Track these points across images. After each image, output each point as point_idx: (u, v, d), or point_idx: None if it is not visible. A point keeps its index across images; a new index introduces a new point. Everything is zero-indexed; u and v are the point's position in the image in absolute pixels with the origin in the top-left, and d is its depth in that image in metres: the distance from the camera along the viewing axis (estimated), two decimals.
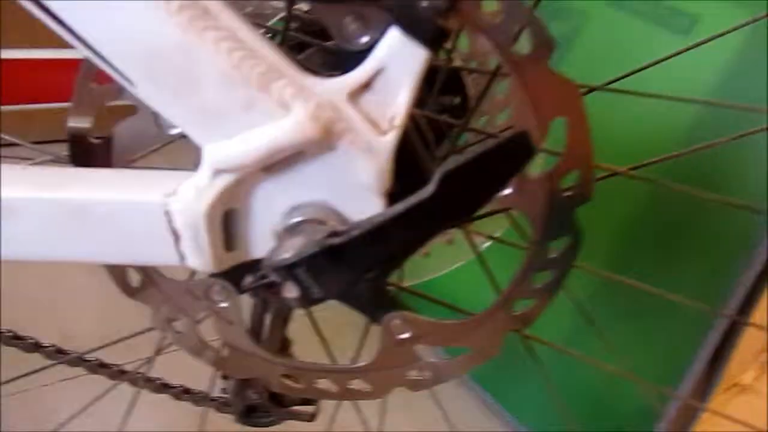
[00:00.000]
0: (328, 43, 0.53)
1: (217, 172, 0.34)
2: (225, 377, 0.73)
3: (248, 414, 0.75)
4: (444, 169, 0.32)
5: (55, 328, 1.30)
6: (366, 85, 0.34)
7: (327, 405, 0.64)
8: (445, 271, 0.62)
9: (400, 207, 0.32)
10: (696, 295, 0.91)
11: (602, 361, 0.60)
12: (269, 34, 0.56)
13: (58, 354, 0.76)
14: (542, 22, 0.37)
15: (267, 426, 0.76)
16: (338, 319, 0.59)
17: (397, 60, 0.34)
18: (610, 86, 0.49)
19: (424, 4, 0.33)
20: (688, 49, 0.46)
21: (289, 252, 0.32)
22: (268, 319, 0.63)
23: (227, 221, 0.36)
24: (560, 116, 0.38)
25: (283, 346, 0.65)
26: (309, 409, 0.76)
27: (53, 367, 0.81)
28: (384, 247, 0.32)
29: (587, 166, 0.39)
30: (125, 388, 0.72)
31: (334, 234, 0.32)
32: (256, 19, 0.54)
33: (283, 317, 0.64)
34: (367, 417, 0.76)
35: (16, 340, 0.76)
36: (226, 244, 0.36)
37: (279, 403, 0.75)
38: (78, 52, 0.34)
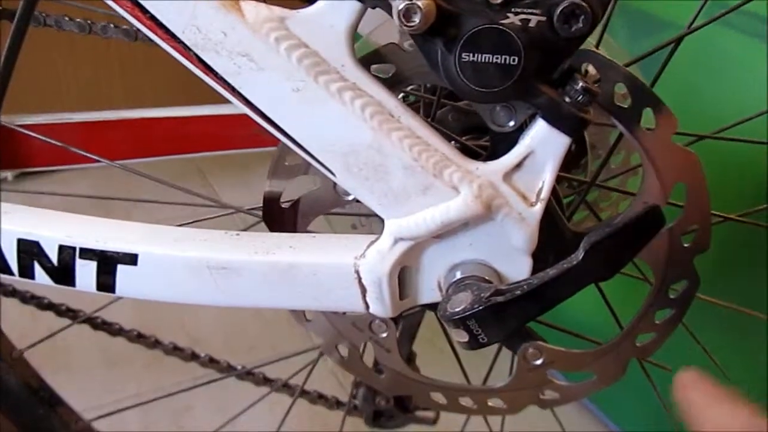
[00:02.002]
0: (459, 104, 0.60)
1: (398, 240, 0.42)
2: (356, 385, 0.83)
3: (376, 418, 0.84)
4: (590, 240, 0.39)
5: (181, 330, 1.44)
6: (518, 166, 0.42)
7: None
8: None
9: (553, 272, 0.39)
10: None
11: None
12: (405, 96, 0.64)
13: (211, 363, 0.87)
14: (664, 103, 0.43)
15: (392, 429, 0.85)
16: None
17: (543, 145, 0.41)
18: (721, 134, 0.55)
19: (568, 100, 0.40)
20: None
21: (460, 306, 0.40)
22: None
23: (401, 276, 0.44)
24: (682, 182, 0.44)
25: (410, 359, 0.74)
26: (430, 414, 0.85)
27: (188, 367, 0.92)
28: (538, 303, 0.40)
29: (705, 222, 0.45)
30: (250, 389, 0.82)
31: (498, 293, 0.39)
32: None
33: (409, 335, 0.73)
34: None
35: (176, 350, 0.88)
36: (400, 294, 0.45)
37: (404, 409, 0.84)
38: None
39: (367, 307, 0.44)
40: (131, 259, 0.46)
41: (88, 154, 0.59)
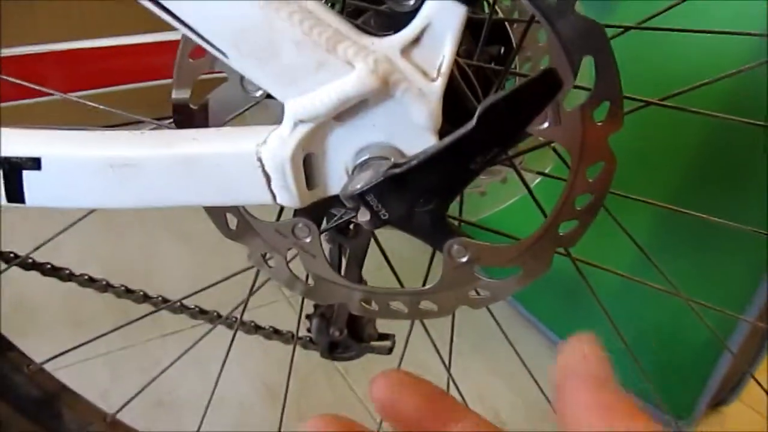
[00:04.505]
0: (381, 7, 0.59)
1: (297, 123, 0.42)
2: (309, 318, 0.82)
3: (332, 350, 0.84)
4: (483, 105, 0.38)
5: (147, 286, 1.44)
6: (416, 41, 0.41)
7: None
8: (500, 207, 0.68)
9: (447, 139, 0.38)
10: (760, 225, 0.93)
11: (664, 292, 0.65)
12: (329, 3, 0.63)
13: (162, 302, 0.87)
14: None
15: (349, 360, 0.85)
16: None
17: (440, 17, 0.40)
18: (646, 24, 0.54)
19: None
20: None
21: (360, 183, 0.39)
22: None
23: (308, 164, 0.43)
24: (588, 55, 0.43)
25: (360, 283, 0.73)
26: (386, 343, 0.85)
27: (157, 323, 0.91)
28: (438, 174, 0.39)
29: (616, 97, 0.44)
30: (221, 338, 0.81)
31: (396, 165, 0.39)
32: None
33: (358, 259, 0.72)
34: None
35: (128, 293, 0.87)
36: (308, 184, 0.44)
37: (359, 339, 0.84)
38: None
39: (274, 197, 0.43)
40: (35, 163, 0.45)
41: (30, 85, 0.57)
